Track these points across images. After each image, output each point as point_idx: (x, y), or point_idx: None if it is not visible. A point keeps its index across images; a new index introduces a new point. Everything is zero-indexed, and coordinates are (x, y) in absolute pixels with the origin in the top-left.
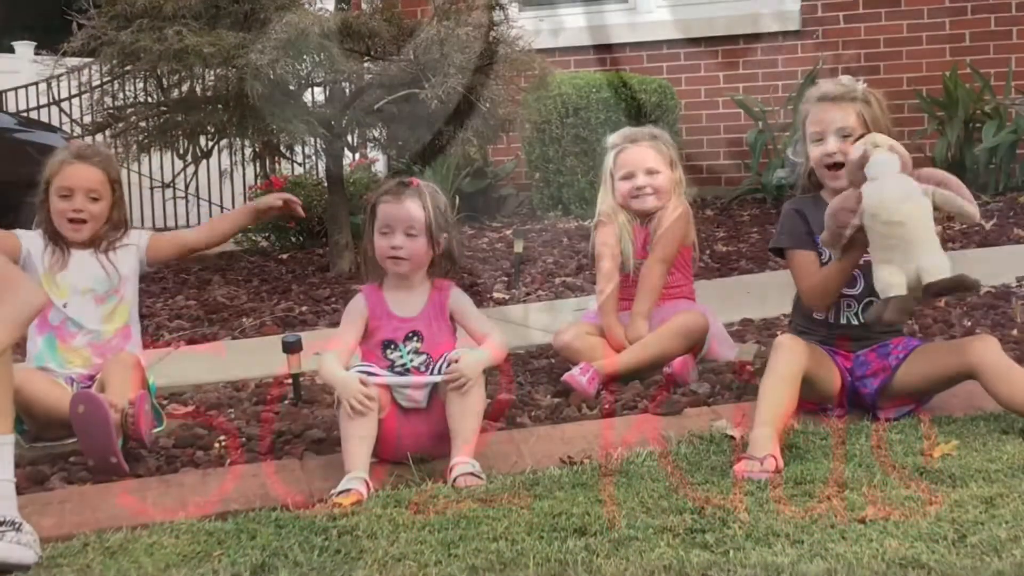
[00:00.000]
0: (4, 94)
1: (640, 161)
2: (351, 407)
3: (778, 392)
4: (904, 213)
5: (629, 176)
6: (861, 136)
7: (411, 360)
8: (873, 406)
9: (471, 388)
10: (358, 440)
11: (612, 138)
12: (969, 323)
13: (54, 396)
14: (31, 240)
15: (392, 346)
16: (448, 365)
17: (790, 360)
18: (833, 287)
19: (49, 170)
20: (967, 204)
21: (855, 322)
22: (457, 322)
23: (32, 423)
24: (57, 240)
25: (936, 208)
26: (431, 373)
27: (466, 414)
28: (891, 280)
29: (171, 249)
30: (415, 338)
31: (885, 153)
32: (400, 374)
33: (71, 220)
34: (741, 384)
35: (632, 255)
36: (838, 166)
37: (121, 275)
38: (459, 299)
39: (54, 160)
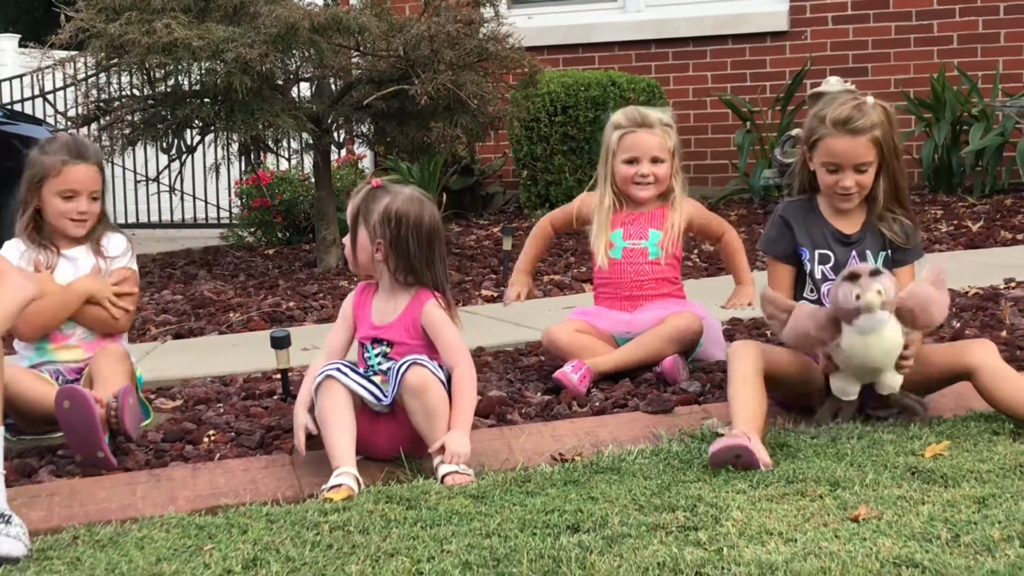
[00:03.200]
0: None
1: (647, 148)
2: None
3: (744, 393)
4: (881, 361)
5: (633, 161)
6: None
7: (379, 363)
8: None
9: (428, 392)
10: (338, 432)
11: (618, 117)
12: (958, 324)
13: (39, 392)
14: (7, 253)
15: (365, 347)
16: (404, 368)
17: (744, 362)
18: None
19: (44, 170)
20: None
21: None
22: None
23: (17, 419)
24: (45, 241)
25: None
26: (392, 377)
27: (429, 417)
28: (847, 388)
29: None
30: (384, 343)
31: (879, 313)
32: (368, 376)
33: (74, 220)
34: None
35: (605, 249)
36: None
37: (111, 264)
38: (430, 316)
39: (51, 160)
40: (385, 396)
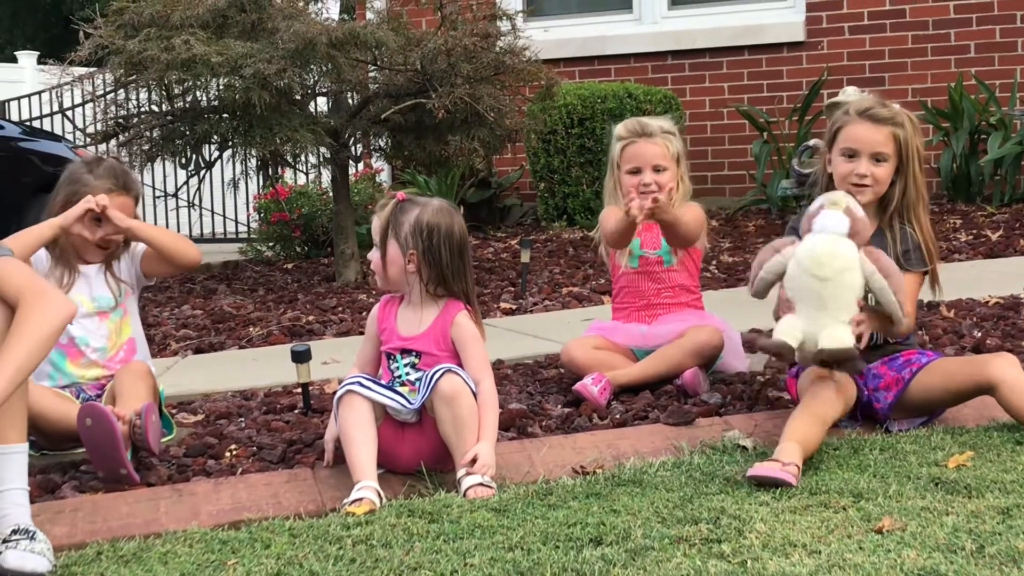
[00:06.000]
0: (7, 104)
1: (648, 157)
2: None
3: (809, 428)
4: (832, 271)
5: (636, 171)
6: (889, 162)
7: (407, 374)
8: (885, 419)
9: (460, 400)
10: (359, 446)
11: (619, 129)
12: (979, 334)
13: (61, 410)
14: (36, 260)
15: (392, 357)
16: (439, 375)
17: (829, 403)
18: None
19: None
20: (897, 306)
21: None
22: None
23: (38, 436)
24: (66, 259)
25: (866, 293)
26: (424, 383)
27: (458, 427)
28: (790, 330)
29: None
30: (412, 354)
31: (838, 214)
32: (392, 387)
33: (99, 247)
34: (752, 395)
35: (628, 253)
36: (863, 185)
37: (124, 288)
38: (461, 329)
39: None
40: (411, 403)
